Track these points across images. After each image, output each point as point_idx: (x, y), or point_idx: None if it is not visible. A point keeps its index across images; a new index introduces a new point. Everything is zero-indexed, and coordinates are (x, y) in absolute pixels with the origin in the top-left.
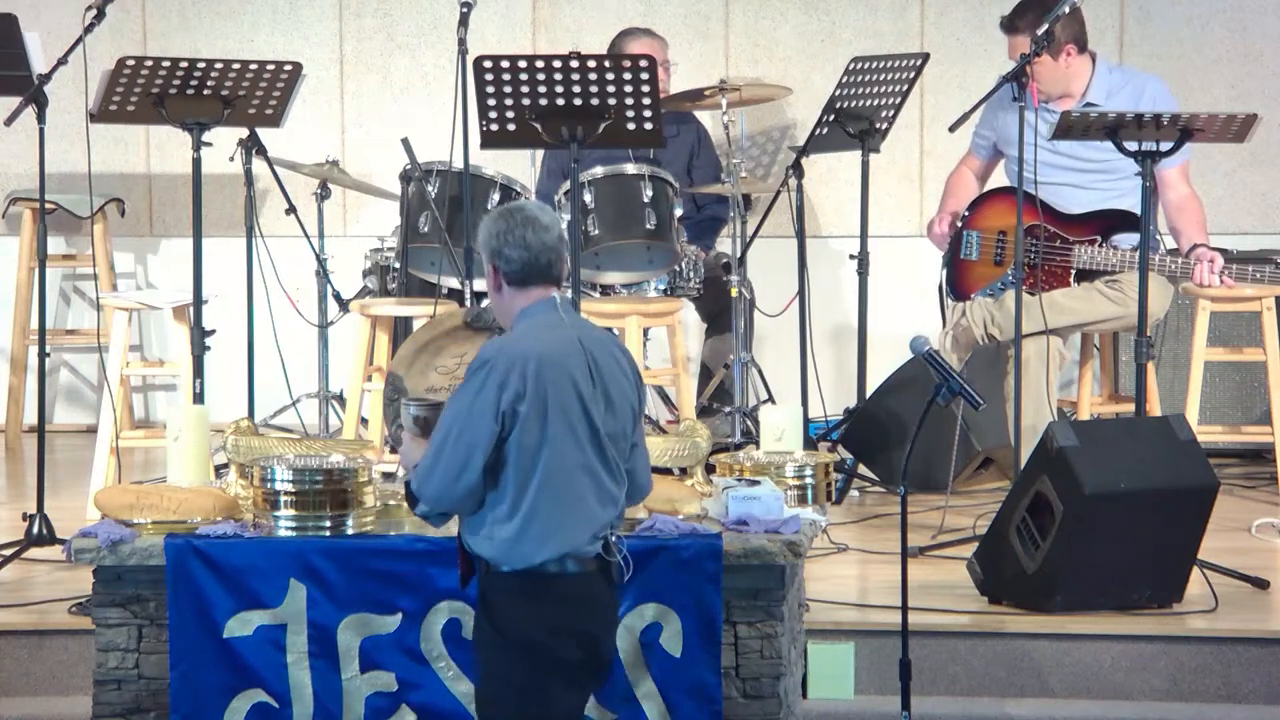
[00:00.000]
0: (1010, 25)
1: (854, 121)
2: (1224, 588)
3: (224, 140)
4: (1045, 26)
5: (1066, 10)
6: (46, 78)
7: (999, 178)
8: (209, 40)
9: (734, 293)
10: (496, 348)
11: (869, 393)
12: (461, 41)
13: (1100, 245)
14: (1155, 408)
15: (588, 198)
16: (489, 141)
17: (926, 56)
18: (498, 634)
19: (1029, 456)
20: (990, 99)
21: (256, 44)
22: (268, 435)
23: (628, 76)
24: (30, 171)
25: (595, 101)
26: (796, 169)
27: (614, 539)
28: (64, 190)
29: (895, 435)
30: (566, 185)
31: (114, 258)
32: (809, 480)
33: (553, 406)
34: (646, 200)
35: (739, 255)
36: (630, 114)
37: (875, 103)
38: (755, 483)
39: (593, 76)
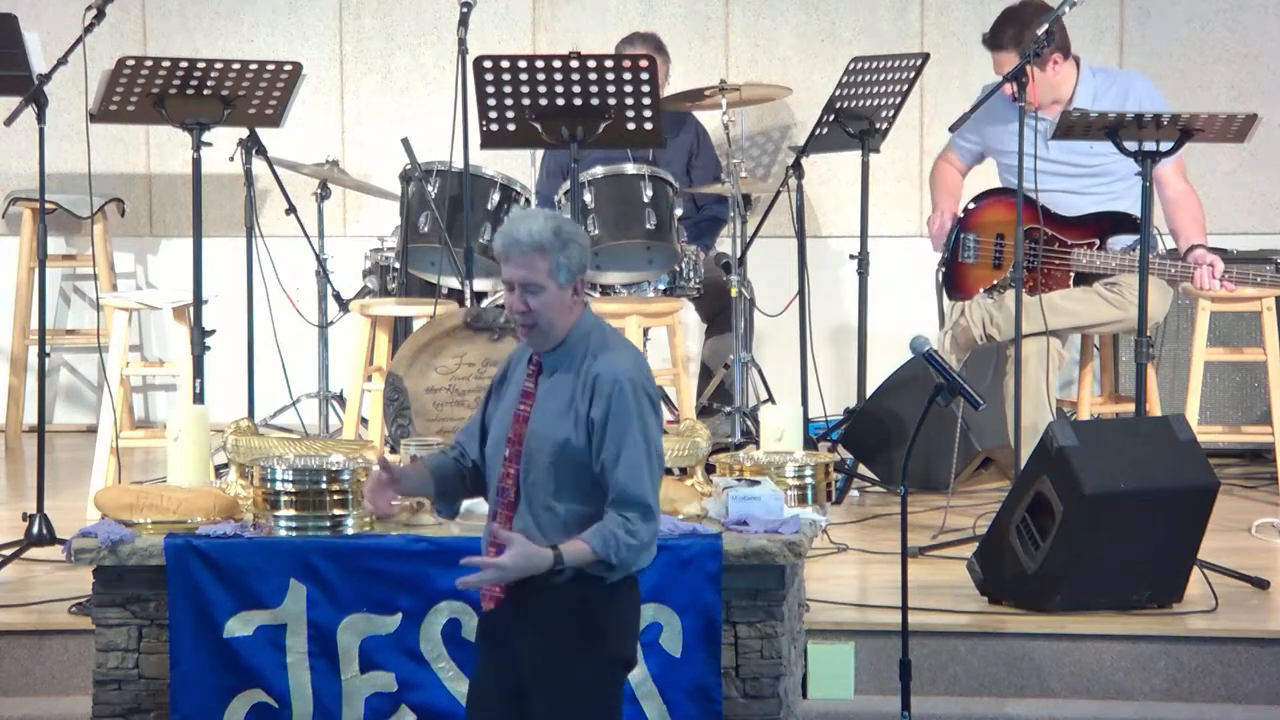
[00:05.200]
0: (994, 42)
1: (854, 121)
2: (1224, 588)
3: (224, 140)
4: (1045, 26)
5: (1067, 10)
6: (46, 78)
7: (994, 181)
8: (209, 40)
9: (734, 293)
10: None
11: (869, 393)
12: (461, 41)
13: (1099, 249)
14: (1155, 408)
15: (588, 198)
16: (489, 141)
17: (926, 56)
18: (590, 647)
19: (1029, 456)
20: (979, 109)
21: (256, 44)
22: (268, 435)
23: (628, 76)
24: (30, 171)
25: (595, 101)
26: (796, 169)
27: None
28: (64, 190)
29: (895, 435)
30: (566, 185)
31: (114, 258)
32: (809, 480)
33: None
34: (646, 200)
35: (739, 255)
36: (630, 114)
37: (875, 103)
38: (755, 483)
39: (593, 76)
